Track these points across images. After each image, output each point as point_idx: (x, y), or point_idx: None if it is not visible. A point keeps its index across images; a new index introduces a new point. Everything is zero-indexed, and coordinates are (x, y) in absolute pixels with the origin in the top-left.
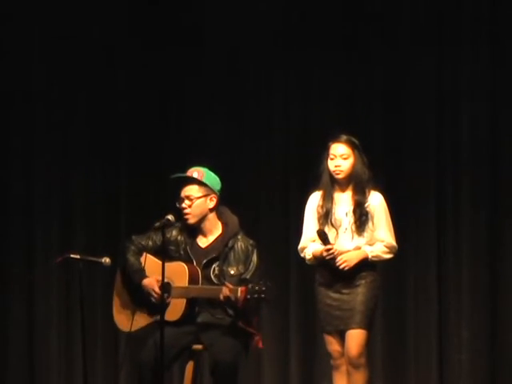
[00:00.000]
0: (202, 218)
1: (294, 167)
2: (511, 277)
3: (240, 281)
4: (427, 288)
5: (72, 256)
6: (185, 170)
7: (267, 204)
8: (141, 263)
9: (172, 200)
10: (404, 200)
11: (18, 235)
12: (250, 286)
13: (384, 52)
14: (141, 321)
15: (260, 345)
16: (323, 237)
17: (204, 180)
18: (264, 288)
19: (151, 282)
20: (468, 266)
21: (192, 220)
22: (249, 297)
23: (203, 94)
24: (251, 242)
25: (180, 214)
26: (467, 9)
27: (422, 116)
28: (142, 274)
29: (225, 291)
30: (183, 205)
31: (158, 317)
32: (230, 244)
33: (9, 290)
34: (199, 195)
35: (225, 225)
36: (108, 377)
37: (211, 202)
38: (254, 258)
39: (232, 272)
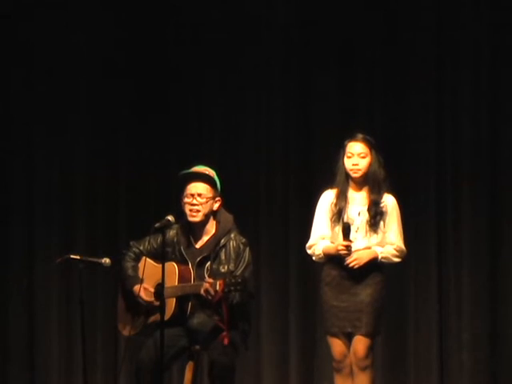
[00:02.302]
0: (206, 219)
1: (294, 168)
2: (511, 277)
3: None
4: (427, 288)
5: (72, 256)
6: (184, 170)
7: (267, 205)
8: (136, 269)
9: (172, 200)
10: (404, 200)
11: (19, 235)
12: (227, 279)
13: (384, 54)
14: (137, 325)
15: (225, 342)
16: (347, 231)
17: (216, 180)
18: (240, 280)
19: (141, 290)
20: (468, 266)
21: (199, 218)
22: (226, 290)
23: (203, 94)
24: (243, 240)
25: (181, 212)
26: (467, 10)
27: (422, 117)
28: (133, 280)
29: (205, 285)
30: (194, 201)
31: (152, 319)
32: (222, 242)
33: (9, 290)
34: (210, 196)
35: (218, 223)
36: (108, 377)
37: (216, 204)
38: (246, 255)
39: (223, 270)
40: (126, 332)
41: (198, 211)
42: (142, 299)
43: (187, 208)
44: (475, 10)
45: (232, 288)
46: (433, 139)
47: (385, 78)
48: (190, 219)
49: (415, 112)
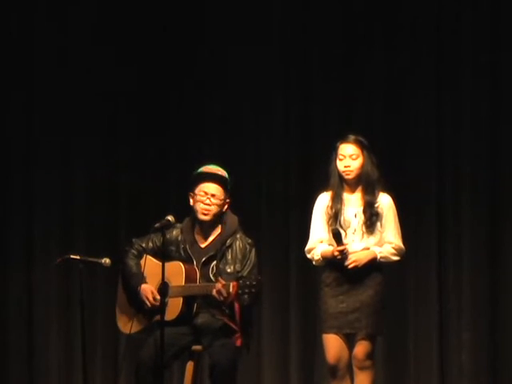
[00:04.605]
0: (214, 219)
1: (294, 169)
2: (511, 277)
3: (236, 278)
4: (427, 289)
5: (72, 257)
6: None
7: (268, 205)
8: (139, 267)
9: (172, 200)
10: (404, 201)
11: (18, 236)
12: (241, 281)
13: (385, 56)
14: (140, 323)
15: (238, 343)
16: (337, 236)
17: (228, 183)
18: (254, 283)
19: (146, 289)
20: (468, 266)
21: (209, 217)
22: (240, 292)
23: (203, 95)
24: (249, 240)
25: (183, 210)
26: (467, 11)
27: (423, 117)
28: (138, 279)
29: (217, 286)
30: (208, 201)
31: (156, 318)
32: (228, 243)
33: (9, 291)
34: (223, 197)
35: (224, 224)
36: (108, 377)
37: (225, 206)
38: (252, 256)
39: (229, 270)
40: (126, 329)
41: (210, 211)
42: (149, 302)
43: (200, 206)
44: (476, 10)
45: (246, 290)
46: (433, 137)
47: (386, 79)
48: (201, 217)
49: (415, 111)
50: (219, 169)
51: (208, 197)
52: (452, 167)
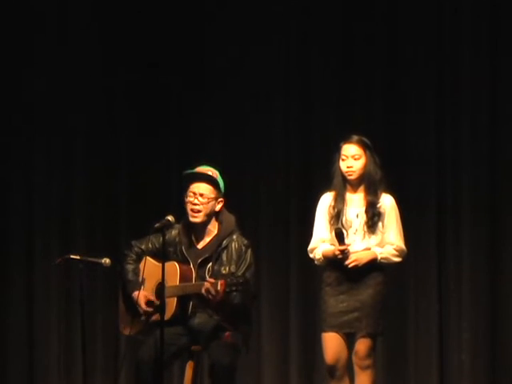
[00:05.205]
0: (208, 220)
1: (295, 169)
2: (511, 278)
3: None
4: (427, 289)
5: (72, 257)
6: (185, 170)
7: (268, 205)
8: (136, 273)
9: (172, 200)
10: (404, 201)
11: (18, 236)
12: (228, 279)
13: (385, 56)
14: (138, 324)
15: (228, 338)
16: (340, 236)
17: (219, 181)
18: (241, 280)
19: (140, 297)
20: (468, 266)
21: (199, 219)
22: (227, 290)
23: (203, 96)
24: (245, 241)
25: (183, 212)
26: (466, 10)
27: (423, 118)
28: (133, 285)
29: (206, 285)
30: (196, 201)
31: (153, 318)
32: (224, 244)
33: (9, 291)
34: (212, 196)
35: (220, 224)
36: (108, 377)
37: (218, 205)
38: (247, 256)
39: (224, 272)
40: (126, 331)
41: (199, 211)
42: (141, 307)
43: (189, 207)
44: (476, 16)
45: (234, 288)
46: (433, 136)
47: (386, 80)
48: (191, 219)
49: (415, 111)
50: (209, 168)
51: (196, 197)
52: (452, 167)
